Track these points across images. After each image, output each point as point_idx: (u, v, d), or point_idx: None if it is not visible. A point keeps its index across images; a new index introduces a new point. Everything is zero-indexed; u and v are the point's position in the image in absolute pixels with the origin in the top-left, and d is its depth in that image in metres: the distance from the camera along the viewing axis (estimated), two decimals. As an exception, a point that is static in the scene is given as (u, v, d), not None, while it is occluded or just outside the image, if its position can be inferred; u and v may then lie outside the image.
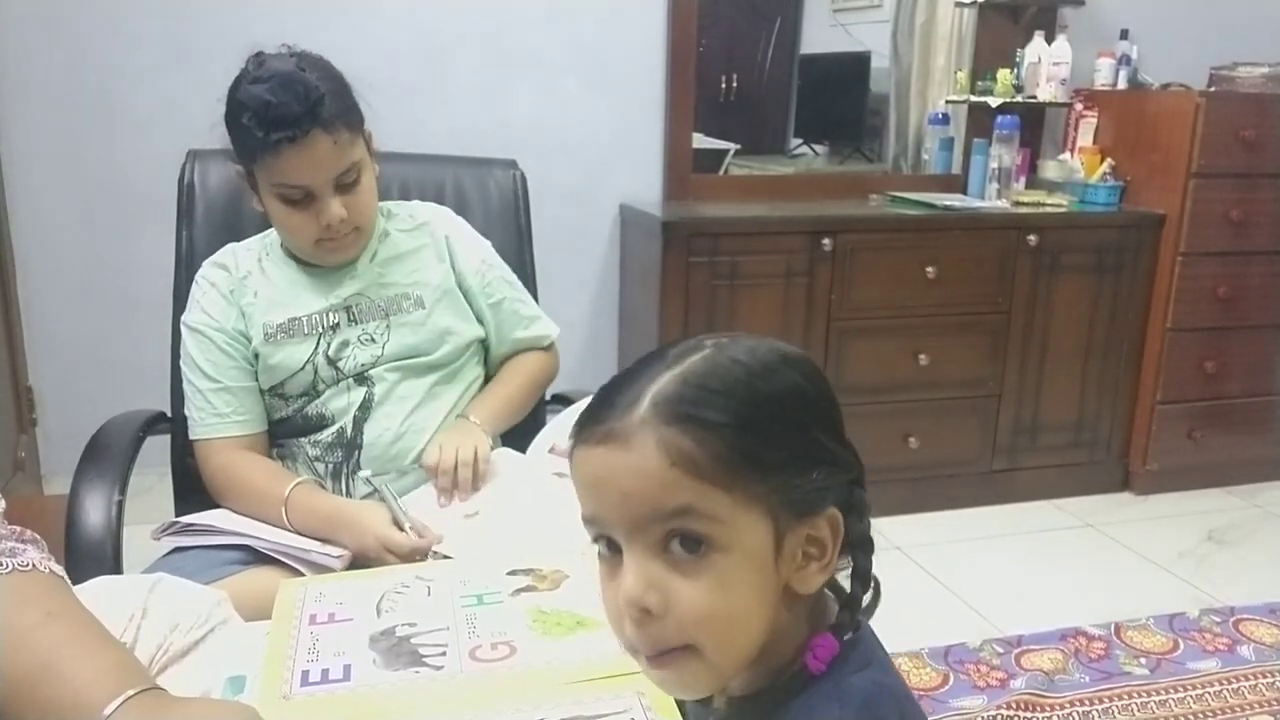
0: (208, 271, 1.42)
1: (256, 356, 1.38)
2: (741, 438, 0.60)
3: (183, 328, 1.40)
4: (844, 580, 0.67)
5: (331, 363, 1.39)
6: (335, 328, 1.39)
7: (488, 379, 1.53)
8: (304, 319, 1.38)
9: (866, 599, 0.66)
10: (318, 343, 1.39)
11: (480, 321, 1.51)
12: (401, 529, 1.24)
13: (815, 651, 0.63)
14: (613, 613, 0.64)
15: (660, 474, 0.59)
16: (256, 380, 1.39)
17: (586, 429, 0.63)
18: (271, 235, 1.44)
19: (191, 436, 1.38)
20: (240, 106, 1.29)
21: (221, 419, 1.36)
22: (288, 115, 1.25)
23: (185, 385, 1.39)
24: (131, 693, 0.64)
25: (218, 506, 1.37)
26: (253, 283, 1.40)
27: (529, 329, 1.56)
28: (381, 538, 1.23)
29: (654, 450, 0.59)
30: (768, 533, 0.61)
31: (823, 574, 0.63)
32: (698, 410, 0.60)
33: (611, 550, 0.63)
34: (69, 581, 0.78)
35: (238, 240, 1.46)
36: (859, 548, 0.65)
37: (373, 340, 1.40)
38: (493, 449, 1.42)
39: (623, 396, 0.62)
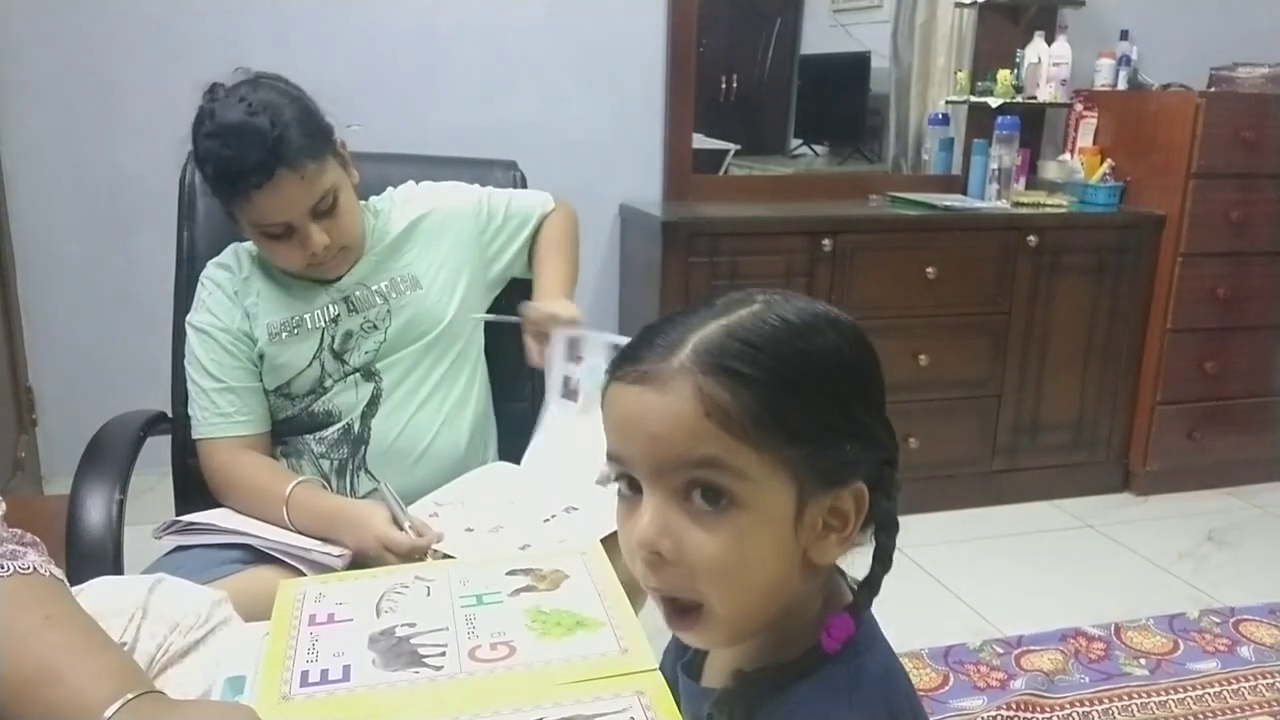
0: (212, 272, 1.43)
1: (262, 357, 1.38)
2: (778, 398, 0.59)
3: (188, 328, 1.41)
4: (862, 562, 0.66)
5: (337, 356, 1.40)
6: (337, 320, 1.40)
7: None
8: (306, 315, 1.39)
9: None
10: (322, 337, 1.40)
11: (501, 251, 1.53)
12: (401, 528, 1.25)
13: (830, 631, 0.62)
14: (627, 551, 0.64)
15: (693, 422, 0.59)
16: (261, 380, 1.39)
17: (623, 367, 0.62)
18: None
19: (194, 435, 1.39)
20: (201, 159, 1.29)
21: (225, 419, 1.36)
22: (247, 166, 1.24)
23: (189, 384, 1.40)
24: (131, 696, 0.65)
25: (219, 506, 1.37)
26: (255, 283, 1.41)
27: (535, 212, 1.58)
28: (381, 537, 1.23)
29: (689, 397, 0.59)
30: (791, 497, 0.60)
31: (841, 546, 0.63)
32: (739, 364, 0.59)
33: (632, 490, 0.63)
34: (68, 585, 0.78)
35: (239, 240, 1.46)
36: (883, 527, 0.65)
37: (375, 327, 1.41)
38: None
39: (664, 338, 0.61)
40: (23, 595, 0.71)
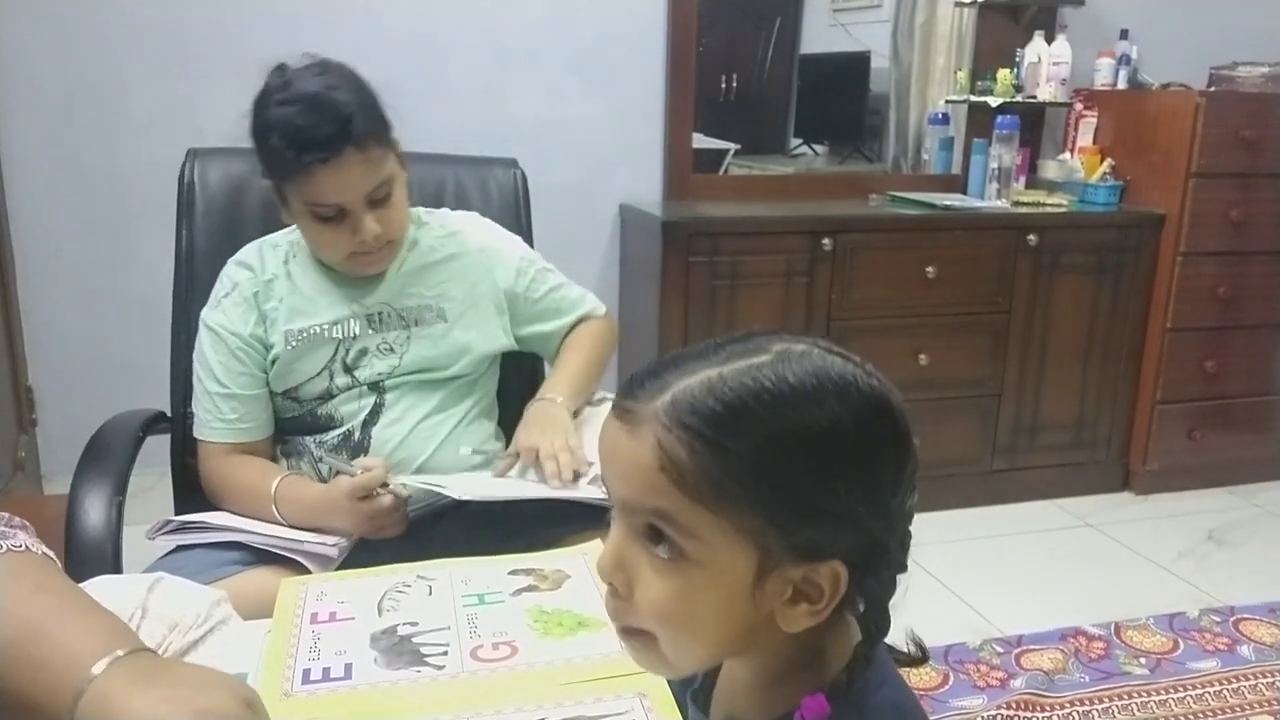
0: (232, 270, 1.40)
1: (275, 361, 1.37)
2: (743, 467, 0.56)
3: (201, 324, 1.39)
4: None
5: (348, 370, 1.38)
6: (356, 336, 1.38)
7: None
8: (326, 326, 1.37)
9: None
10: (336, 349, 1.38)
11: (525, 323, 1.50)
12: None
13: (803, 712, 0.59)
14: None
15: (648, 473, 0.58)
16: (267, 386, 1.38)
17: (620, 396, 0.61)
18: (297, 234, 1.41)
19: (195, 434, 1.39)
20: (268, 126, 1.26)
21: (226, 424, 1.36)
22: (319, 137, 1.23)
23: (195, 380, 1.39)
24: (120, 652, 0.65)
25: (216, 506, 1.37)
26: (279, 287, 1.38)
27: (578, 309, 1.55)
28: (347, 492, 1.24)
29: (651, 447, 0.58)
30: (749, 562, 0.58)
31: (811, 618, 0.59)
32: (705, 427, 0.57)
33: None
34: (59, 563, 0.78)
35: (237, 240, 1.45)
36: (868, 612, 0.60)
37: (391, 350, 1.39)
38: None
39: (657, 380, 0.59)
40: (14, 568, 0.72)
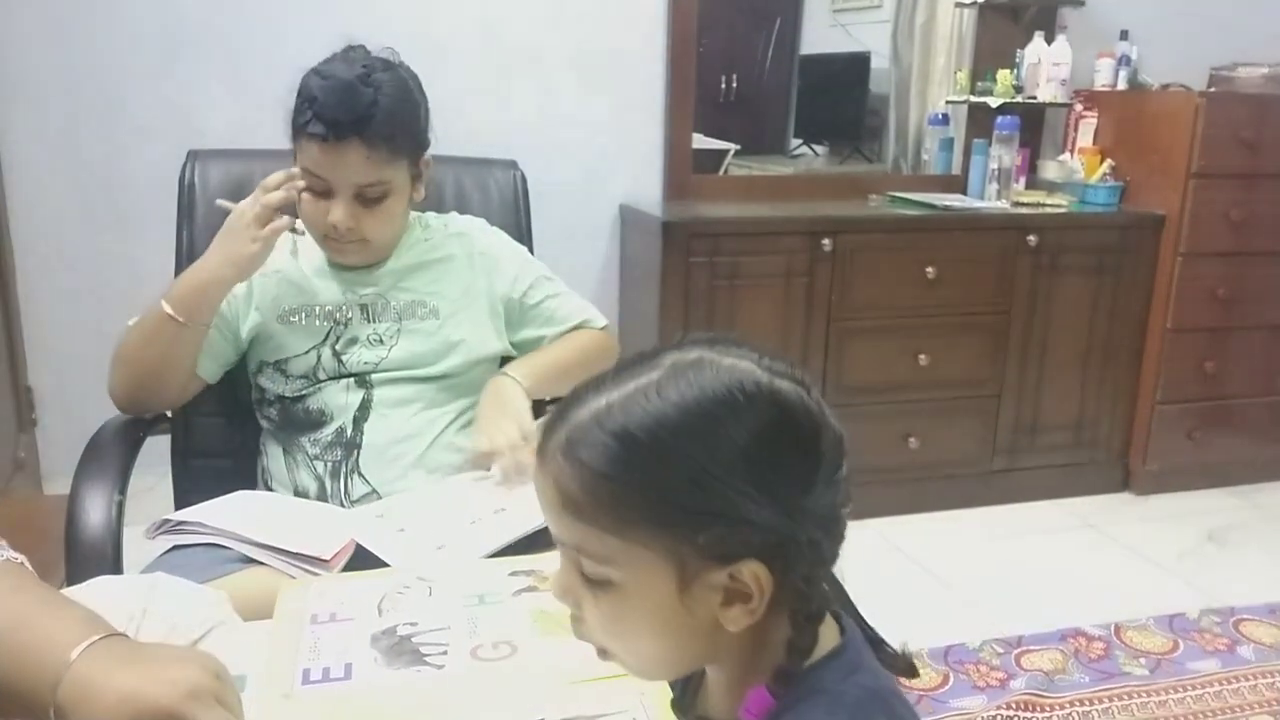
0: None
1: (269, 336, 1.39)
2: (630, 494, 0.57)
3: None
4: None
5: (336, 355, 1.40)
6: (347, 323, 1.41)
7: None
8: (318, 308, 1.41)
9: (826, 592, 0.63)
10: (327, 335, 1.40)
11: (520, 328, 1.50)
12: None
13: (748, 705, 0.61)
14: None
15: (557, 509, 0.60)
16: (226, 342, 1.41)
17: (544, 432, 0.63)
18: None
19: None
20: (303, 85, 1.33)
21: None
22: (329, 119, 1.28)
23: None
24: (96, 637, 0.71)
25: (217, 506, 1.37)
26: (276, 260, 1.40)
27: (574, 318, 1.53)
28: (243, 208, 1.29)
29: (553, 485, 0.60)
30: (669, 575, 0.58)
31: (750, 617, 0.59)
32: (595, 458, 0.58)
33: None
34: (29, 567, 0.83)
35: None
36: (798, 605, 0.60)
37: (381, 342, 1.41)
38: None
39: (558, 417, 0.61)
40: None
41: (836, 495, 0.61)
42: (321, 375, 1.40)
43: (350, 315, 1.41)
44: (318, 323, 1.40)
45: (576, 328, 1.54)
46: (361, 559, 1.24)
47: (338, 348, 1.40)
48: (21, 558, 0.81)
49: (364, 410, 1.39)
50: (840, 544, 0.63)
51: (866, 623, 0.67)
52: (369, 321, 1.41)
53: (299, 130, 1.31)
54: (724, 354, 0.60)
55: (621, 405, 0.58)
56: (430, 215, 1.53)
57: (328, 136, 1.28)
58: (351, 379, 1.40)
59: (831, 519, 0.61)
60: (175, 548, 1.30)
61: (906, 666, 0.67)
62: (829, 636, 0.63)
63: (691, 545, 0.58)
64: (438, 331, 1.43)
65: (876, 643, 0.67)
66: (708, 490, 0.57)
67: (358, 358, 1.40)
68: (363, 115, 1.28)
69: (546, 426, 0.62)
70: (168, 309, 1.32)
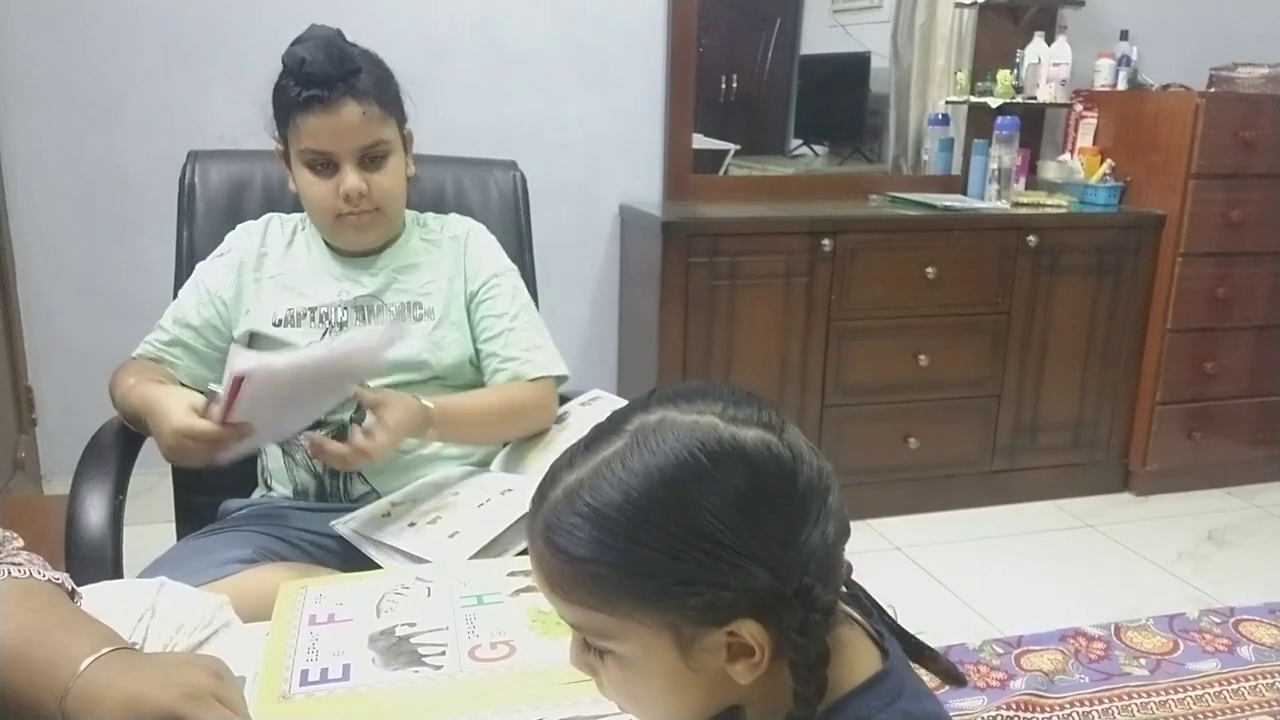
0: (238, 234, 1.46)
1: (261, 337, 1.39)
2: (606, 573, 0.58)
3: (197, 266, 1.44)
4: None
5: None
6: (343, 325, 1.40)
7: None
8: (314, 310, 1.40)
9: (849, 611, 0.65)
10: (324, 335, 1.40)
11: (475, 337, 1.47)
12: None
13: None
14: None
15: (548, 591, 0.61)
16: (210, 351, 1.40)
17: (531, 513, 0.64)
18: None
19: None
20: (282, 70, 1.34)
21: (153, 344, 1.40)
22: (320, 74, 1.30)
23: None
24: (106, 650, 0.73)
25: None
26: (270, 264, 1.41)
27: (520, 359, 1.43)
28: (181, 427, 1.14)
29: (540, 569, 0.61)
30: (666, 641, 0.59)
31: (754, 671, 0.59)
32: (567, 541, 0.58)
33: None
34: (64, 590, 0.84)
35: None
36: (797, 657, 0.58)
37: None
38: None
39: (539, 498, 0.62)
40: (21, 590, 0.80)
41: (827, 529, 0.60)
42: None
43: (345, 318, 1.40)
44: (314, 324, 1.40)
45: (521, 371, 1.43)
46: (361, 559, 1.25)
47: None
48: (62, 577, 0.84)
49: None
50: (835, 590, 0.62)
51: (908, 633, 0.68)
52: (363, 322, 1.41)
53: (292, 109, 1.32)
54: (687, 410, 0.60)
55: (590, 482, 0.58)
56: (429, 215, 1.53)
57: (324, 97, 1.29)
58: None
59: (826, 557, 0.60)
60: (172, 547, 1.30)
61: (954, 675, 0.68)
62: (869, 662, 0.63)
63: (681, 613, 0.58)
64: (433, 332, 1.43)
65: (918, 650, 0.67)
66: (685, 560, 0.57)
67: None
68: (351, 69, 1.31)
69: (531, 509, 0.63)
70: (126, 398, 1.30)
